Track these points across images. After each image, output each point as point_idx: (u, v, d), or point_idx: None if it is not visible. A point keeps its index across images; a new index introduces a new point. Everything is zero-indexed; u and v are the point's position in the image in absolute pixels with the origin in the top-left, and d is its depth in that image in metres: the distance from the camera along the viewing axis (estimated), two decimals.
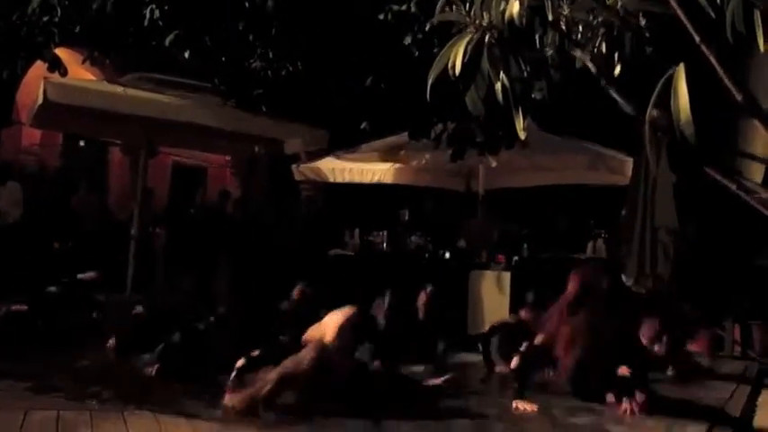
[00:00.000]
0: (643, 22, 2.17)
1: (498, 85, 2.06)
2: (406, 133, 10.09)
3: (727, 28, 2.24)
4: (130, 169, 12.31)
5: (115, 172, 15.75)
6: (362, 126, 9.91)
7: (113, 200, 13.93)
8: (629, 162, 9.54)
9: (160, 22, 9.47)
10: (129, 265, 9.47)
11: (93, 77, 12.09)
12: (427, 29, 6.57)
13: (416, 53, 8.22)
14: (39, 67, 10.84)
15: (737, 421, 5.88)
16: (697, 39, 1.87)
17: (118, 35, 10.18)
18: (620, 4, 2.07)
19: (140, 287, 9.33)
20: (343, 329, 5.51)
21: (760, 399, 6.92)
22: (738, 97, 1.89)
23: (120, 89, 9.74)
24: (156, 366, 6.18)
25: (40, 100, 9.02)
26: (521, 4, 1.95)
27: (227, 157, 16.39)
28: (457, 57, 2.03)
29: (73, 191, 12.10)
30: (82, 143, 15.49)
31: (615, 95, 2.07)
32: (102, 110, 9.48)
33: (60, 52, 9.72)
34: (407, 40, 8.36)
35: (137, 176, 10.60)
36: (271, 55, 9.66)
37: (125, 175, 13.69)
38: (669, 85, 1.85)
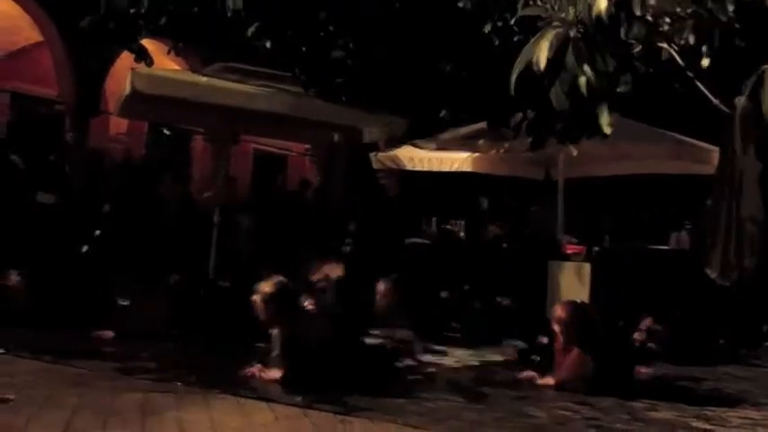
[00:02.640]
0: (732, 13, 2.12)
1: (583, 80, 2.04)
2: (485, 122, 10.04)
3: None
4: (213, 157, 12.54)
5: (198, 160, 16.08)
6: (441, 114, 9.90)
7: (196, 187, 14.23)
8: (715, 151, 9.27)
9: (242, 13, 9.61)
10: (211, 252, 9.67)
11: (177, 68, 12.36)
12: (512, 22, 6.51)
13: (496, 42, 8.15)
14: (126, 58, 11.14)
15: None
16: None
17: (201, 26, 10.37)
18: None
19: (224, 275, 9.53)
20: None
21: None
22: None
23: (203, 79, 9.93)
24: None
25: (128, 90, 9.26)
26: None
27: (307, 146, 16.55)
28: (541, 52, 2.02)
29: (158, 179, 12.39)
30: (166, 132, 15.87)
31: (702, 88, 2.03)
32: (186, 99, 9.67)
33: (146, 43, 9.97)
34: (487, 29, 8.30)
35: (219, 164, 10.82)
36: (351, 44, 9.72)
37: (208, 164, 13.96)
38: (761, 80, 1.80)
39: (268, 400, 4.88)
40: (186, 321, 7.80)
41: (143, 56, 10.23)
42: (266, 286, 5.85)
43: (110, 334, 7.04)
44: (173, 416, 4.31)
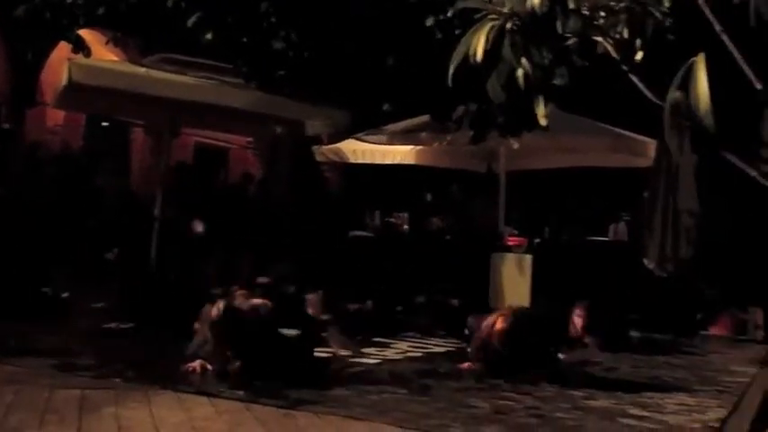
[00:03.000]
0: (666, 8, 2.17)
1: (520, 72, 2.07)
2: (428, 115, 10.09)
3: (750, 13, 2.22)
4: (153, 150, 12.37)
5: (137, 153, 15.84)
6: (384, 108, 9.91)
7: (136, 181, 14.03)
8: (652, 144, 9.47)
9: (183, 3, 9.50)
10: (152, 245, 9.55)
11: (116, 58, 12.14)
12: (449, 14, 6.55)
13: (439, 35, 8.19)
14: (63, 49, 10.93)
15: (763, 399, 5.86)
16: (717, 27, 1.86)
17: (141, 16, 10.21)
18: None
19: (165, 268, 9.42)
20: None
21: None
22: (757, 85, 1.88)
23: (142, 70, 9.77)
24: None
25: (65, 81, 9.06)
26: None
27: (249, 139, 16.43)
28: (478, 44, 2.04)
29: (96, 171, 12.19)
30: (105, 124, 15.59)
31: (636, 81, 2.07)
32: (126, 91, 9.51)
33: (84, 33, 9.80)
34: (429, 22, 8.34)
35: (159, 157, 10.67)
36: (293, 36, 9.66)
37: (147, 156, 13.77)
38: (690, 73, 1.84)
39: (209, 394, 4.84)
40: (129, 315, 7.72)
41: (80, 46, 10.05)
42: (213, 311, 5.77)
43: None
44: (111, 412, 4.25)
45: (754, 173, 1.99)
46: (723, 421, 4.89)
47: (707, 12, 1.89)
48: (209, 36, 9.33)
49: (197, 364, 5.59)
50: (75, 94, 9.48)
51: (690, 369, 7.36)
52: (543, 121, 2.18)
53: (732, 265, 9.80)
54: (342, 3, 9.06)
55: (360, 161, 11.62)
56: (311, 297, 7.66)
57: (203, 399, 4.73)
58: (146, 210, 10.18)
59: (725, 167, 2.14)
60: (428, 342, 8.06)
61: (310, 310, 7.48)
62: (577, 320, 8.34)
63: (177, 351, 6.43)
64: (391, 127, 10.90)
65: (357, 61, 9.52)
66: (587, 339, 8.26)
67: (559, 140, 10.17)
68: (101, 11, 9.38)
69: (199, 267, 9.31)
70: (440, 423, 4.43)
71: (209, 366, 5.58)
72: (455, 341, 8.05)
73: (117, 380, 5.13)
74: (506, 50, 2.04)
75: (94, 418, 4.09)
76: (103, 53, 11.25)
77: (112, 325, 7.58)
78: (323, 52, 9.54)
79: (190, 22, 9.19)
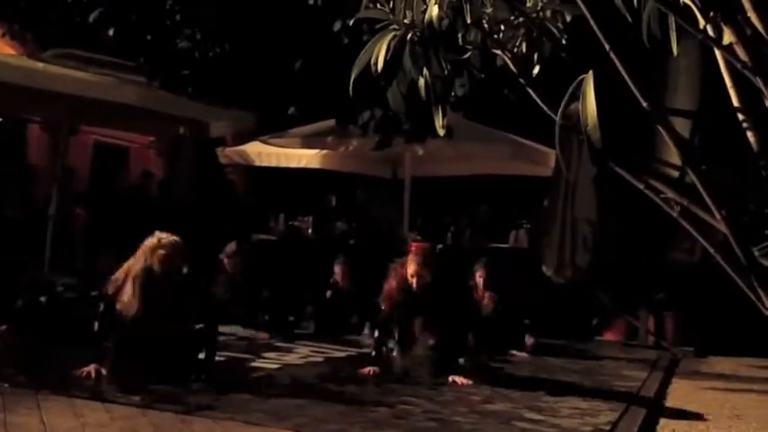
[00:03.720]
0: (562, 26, 2.24)
1: (421, 82, 2.10)
2: (334, 120, 10.12)
3: (643, 32, 2.32)
4: (50, 148, 12.00)
5: (34, 150, 15.31)
6: (290, 111, 9.89)
7: (32, 179, 13.56)
8: (552, 154, 9.75)
9: None
10: (46, 245, 9.26)
11: (12, 52, 11.73)
12: (350, 23, 6.60)
13: (346, 40, 8.23)
14: None
15: (652, 402, 6.09)
16: (606, 47, 1.94)
17: (39, 9, 9.91)
18: (539, 5, 2.14)
19: (59, 268, 9.14)
20: None
21: (671, 386, 7.19)
22: (644, 104, 1.96)
23: (40, 65, 9.48)
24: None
25: None
26: (440, 7, 1.99)
27: (151, 138, 16.10)
28: (380, 54, 2.06)
29: None
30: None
31: (533, 95, 2.13)
32: (22, 86, 9.20)
33: None
34: (337, 26, 8.37)
35: (56, 155, 10.36)
36: (198, 35, 9.54)
37: (44, 154, 13.33)
38: (579, 90, 1.91)
39: (103, 400, 4.73)
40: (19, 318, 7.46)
41: None
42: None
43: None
44: None
45: (641, 186, 2.07)
46: (613, 424, 5.07)
47: (597, 31, 1.96)
48: (111, 32, 9.13)
49: (91, 368, 5.44)
50: None
51: (584, 374, 7.57)
52: (441, 132, 2.22)
53: (625, 273, 10.13)
54: (248, 4, 9.01)
55: (264, 164, 11.56)
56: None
57: (97, 404, 4.61)
58: (41, 208, 9.87)
59: (619, 179, 2.22)
60: (329, 347, 8.06)
61: None
62: (479, 280, 8.57)
63: (68, 355, 6.27)
64: (297, 130, 10.89)
65: (263, 63, 9.47)
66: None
67: (462, 148, 10.36)
68: None
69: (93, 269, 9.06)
70: (339, 428, 4.44)
71: (102, 371, 5.44)
72: (355, 347, 8.11)
73: (6, 385, 4.95)
74: (406, 61, 2.07)
75: None
76: None
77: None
78: (229, 53, 9.46)
79: (92, 17, 8.97)
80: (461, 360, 6.62)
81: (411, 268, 6.49)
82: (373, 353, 6.63)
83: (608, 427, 4.97)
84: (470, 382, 6.24)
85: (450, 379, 6.27)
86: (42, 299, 7.47)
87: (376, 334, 6.76)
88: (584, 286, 9.76)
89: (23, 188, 11.49)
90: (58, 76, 9.27)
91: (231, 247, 8.88)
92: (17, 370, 5.45)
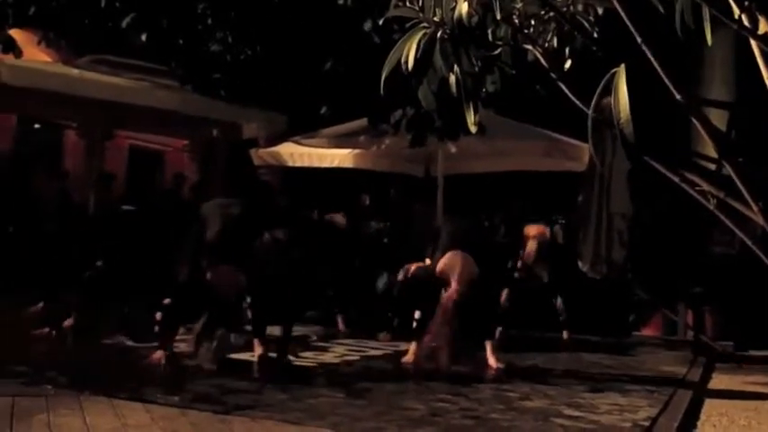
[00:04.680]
0: (593, 19, 2.23)
1: (452, 79, 2.10)
2: (366, 119, 10.13)
3: (676, 22, 2.30)
4: (86, 153, 12.15)
5: (70, 155, 15.51)
6: (322, 111, 9.92)
7: (69, 183, 13.74)
8: (586, 148, 9.66)
9: (117, 4, 9.37)
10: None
11: (48, 59, 11.90)
12: (380, 22, 6.61)
13: (376, 39, 8.24)
14: None
15: (692, 398, 6.03)
16: (639, 39, 1.92)
17: (73, 16, 10.04)
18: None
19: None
20: None
21: (711, 381, 7.12)
22: (678, 97, 1.94)
23: (75, 71, 9.62)
24: None
25: None
26: (469, 4, 1.99)
27: (185, 141, 16.25)
28: (410, 52, 2.07)
29: (29, 174, 11.89)
30: (36, 126, 15.24)
31: (565, 89, 2.12)
32: (58, 92, 9.35)
33: (15, 33, 9.58)
34: (367, 26, 8.39)
35: (92, 160, 10.50)
36: (229, 38, 9.61)
37: (81, 160, 13.51)
38: (611, 84, 1.90)
39: (144, 400, 4.78)
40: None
41: (11, 46, 9.81)
42: None
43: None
44: (43, 419, 4.17)
45: (676, 179, 2.06)
46: (653, 420, 5.02)
47: (629, 23, 1.94)
48: (143, 37, 9.23)
49: (160, 354, 5.67)
50: (5, 95, 9.29)
51: (622, 369, 7.51)
52: (473, 129, 2.22)
53: (663, 267, 10.03)
54: (279, 6, 9.06)
55: (297, 164, 11.58)
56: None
57: (138, 405, 4.67)
58: (84, 214, 9.99)
59: (655, 173, 2.20)
60: (366, 346, 8.08)
61: None
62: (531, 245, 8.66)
63: (111, 357, 6.39)
64: (329, 130, 10.92)
65: (294, 64, 9.51)
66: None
67: (495, 144, 10.31)
68: (32, 10, 9.21)
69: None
70: (375, 426, 4.45)
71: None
72: (394, 344, 8.12)
73: (49, 386, 5.03)
74: (437, 58, 2.07)
75: (26, 426, 4.01)
76: (35, 54, 11.01)
77: (45, 330, 7.43)
78: (260, 55, 9.51)
79: (124, 22, 9.07)
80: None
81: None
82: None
83: (647, 423, 4.92)
84: (502, 366, 6.52)
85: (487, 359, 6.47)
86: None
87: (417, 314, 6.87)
88: (620, 281, 9.68)
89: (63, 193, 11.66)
90: (93, 81, 9.41)
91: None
92: (60, 371, 5.53)
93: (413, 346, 6.83)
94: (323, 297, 9.60)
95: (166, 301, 6.27)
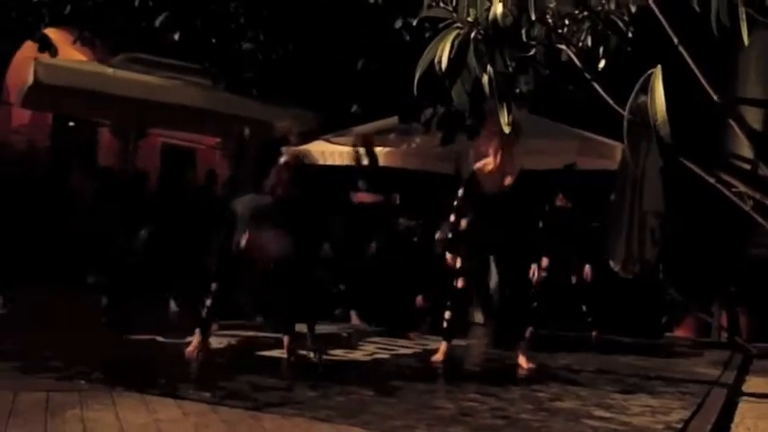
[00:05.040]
0: (627, 19, 2.21)
1: (485, 79, 2.09)
2: (396, 117, 10.13)
3: (711, 22, 2.27)
4: (120, 150, 12.28)
5: (104, 153, 15.70)
6: (353, 109, 9.94)
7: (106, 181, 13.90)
8: (618, 147, 9.59)
9: (150, 3, 9.45)
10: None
11: (83, 58, 12.04)
12: (414, 23, 6.61)
13: (407, 37, 8.24)
14: (29, 48, 10.81)
15: (726, 400, 5.97)
16: (674, 39, 1.90)
17: (108, 15, 10.14)
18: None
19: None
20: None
21: (746, 384, 7.03)
22: (715, 97, 1.92)
23: (109, 70, 9.72)
24: None
25: (31, 80, 9.01)
26: (504, 4, 1.98)
27: (217, 139, 16.36)
28: (443, 52, 2.06)
29: (64, 171, 12.06)
30: (71, 124, 15.44)
31: (599, 89, 2.10)
32: (92, 90, 9.47)
33: (50, 33, 9.71)
34: (398, 24, 8.39)
35: (126, 158, 10.60)
36: (261, 37, 9.66)
37: (115, 157, 13.66)
38: (647, 84, 1.88)
39: (175, 396, 4.82)
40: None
41: (46, 45, 9.96)
42: None
43: None
44: (76, 414, 4.22)
45: (712, 180, 2.04)
46: (686, 422, 4.97)
47: (664, 23, 1.92)
48: (176, 36, 9.29)
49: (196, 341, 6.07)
50: (40, 93, 9.42)
51: (654, 371, 7.44)
52: (506, 129, 2.21)
53: (696, 268, 9.93)
54: (310, 5, 9.08)
55: (328, 162, 11.60)
56: None
57: (169, 400, 4.71)
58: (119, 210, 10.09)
59: (689, 172, 2.18)
60: (396, 344, 8.09)
61: None
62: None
63: (143, 352, 6.47)
64: (360, 129, 10.93)
65: (326, 63, 9.53)
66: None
67: (528, 143, 10.22)
68: (68, 10, 9.32)
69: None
70: (405, 424, 4.45)
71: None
72: (423, 342, 8.13)
73: (82, 381, 5.09)
74: (470, 58, 2.07)
75: (60, 421, 4.06)
76: (70, 52, 11.15)
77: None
78: (291, 53, 9.54)
79: (157, 21, 9.15)
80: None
81: None
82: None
83: (680, 425, 4.88)
84: (533, 367, 6.51)
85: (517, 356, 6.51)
86: None
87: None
88: (653, 282, 9.59)
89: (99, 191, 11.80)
90: (127, 80, 9.50)
91: None
92: (92, 367, 5.60)
93: (443, 346, 6.83)
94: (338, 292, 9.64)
95: (212, 288, 6.40)
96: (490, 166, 6.59)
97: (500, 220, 6.50)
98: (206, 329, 6.39)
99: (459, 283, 6.74)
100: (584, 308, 9.24)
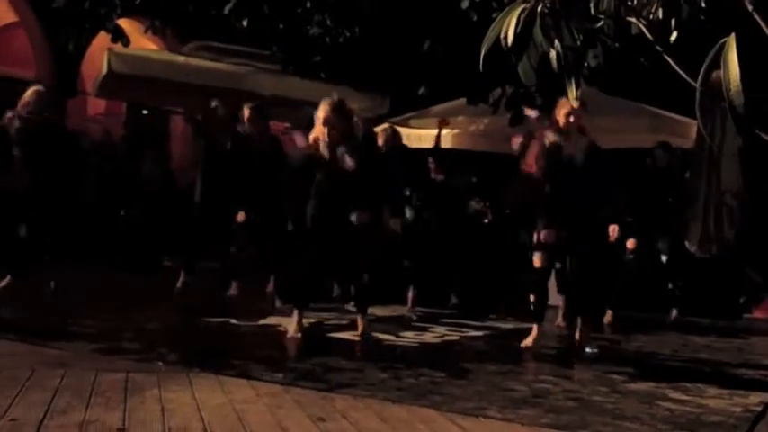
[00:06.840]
0: None
1: (553, 54, 2.06)
2: (464, 98, 10.06)
3: None
4: (192, 137, 12.48)
5: (177, 139, 15.98)
6: (420, 92, 9.91)
7: (176, 167, 14.17)
8: (693, 124, 9.35)
9: None
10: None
11: (154, 47, 12.27)
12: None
13: (474, 17, 8.16)
14: (102, 38, 11.07)
15: None
16: (749, 6, 1.84)
17: (178, 4, 10.30)
18: None
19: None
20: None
21: None
22: None
23: (181, 58, 9.88)
24: None
25: (104, 70, 9.22)
26: None
27: (287, 124, 16.49)
28: (509, 27, 2.03)
29: (139, 159, 12.33)
30: (145, 112, 15.76)
31: (671, 62, 2.05)
32: (164, 79, 9.63)
33: (122, 23, 9.92)
34: (465, 4, 8.31)
35: (197, 145, 10.76)
36: (328, 21, 9.69)
37: (187, 145, 13.89)
38: (720, 54, 1.82)
39: (249, 377, 4.91)
40: None
41: (119, 36, 10.17)
42: None
43: None
44: (155, 395, 4.33)
45: None
46: (766, 405, 4.84)
47: None
48: (245, 23, 9.39)
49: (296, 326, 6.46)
50: (114, 82, 9.62)
51: (732, 352, 7.28)
52: (575, 104, 2.18)
53: None
54: None
55: (414, 146, 11.59)
56: None
57: (243, 381, 4.80)
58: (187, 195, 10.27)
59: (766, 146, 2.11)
60: (467, 326, 8.05)
61: None
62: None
63: (219, 335, 6.59)
64: (428, 110, 10.90)
65: (393, 45, 9.52)
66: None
67: (598, 122, 10.06)
68: (138, 0, 9.50)
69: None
70: (477, 406, 4.44)
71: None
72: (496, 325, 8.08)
73: (159, 363, 5.22)
74: (537, 33, 2.03)
75: (139, 401, 4.17)
76: (142, 42, 11.37)
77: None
78: (358, 36, 9.55)
79: (227, 9, 9.26)
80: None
81: None
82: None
83: (760, 408, 4.76)
84: (596, 351, 6.40)
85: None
86: None
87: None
88: (731, 262, 9.35)
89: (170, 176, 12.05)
90: (198, 67, 9.64)
91: None
92: (170, 349, 5.73)
93: (534, 329, 6.65)
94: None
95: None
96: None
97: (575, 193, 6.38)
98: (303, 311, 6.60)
99: (537, 262, 6.55)
100: (670, 285, 9.07)
